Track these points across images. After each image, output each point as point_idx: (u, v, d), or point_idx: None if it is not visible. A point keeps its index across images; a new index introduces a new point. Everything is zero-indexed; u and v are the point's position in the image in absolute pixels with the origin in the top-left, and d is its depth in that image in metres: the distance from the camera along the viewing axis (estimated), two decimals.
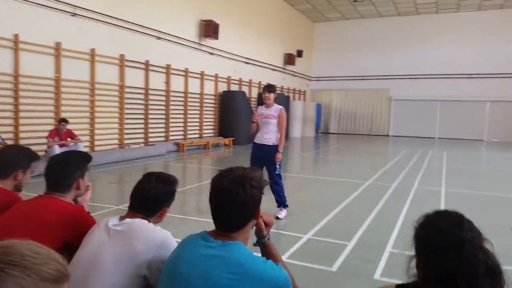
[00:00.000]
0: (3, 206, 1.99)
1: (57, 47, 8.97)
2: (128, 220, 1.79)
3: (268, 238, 1.75)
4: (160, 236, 1.72)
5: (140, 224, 1.77)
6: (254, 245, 1.76)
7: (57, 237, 1.85)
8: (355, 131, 24.33)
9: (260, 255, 1.64)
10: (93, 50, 9.86)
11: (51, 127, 8.50)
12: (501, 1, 19.58)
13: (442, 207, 6.04)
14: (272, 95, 5.35)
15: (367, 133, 23.97)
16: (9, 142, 7.86)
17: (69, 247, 1.81)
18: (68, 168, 2.09)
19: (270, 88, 5.40)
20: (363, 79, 23.52)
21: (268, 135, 5.40)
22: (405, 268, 1.36)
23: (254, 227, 1.70)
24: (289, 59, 20.99)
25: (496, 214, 5.91)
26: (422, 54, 22.07)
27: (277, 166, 5.37)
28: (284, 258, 3.88)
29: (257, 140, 5.52)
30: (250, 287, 1.36)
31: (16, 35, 8.10)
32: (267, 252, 1.73)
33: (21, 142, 8.30)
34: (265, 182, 1.59)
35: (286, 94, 20.65)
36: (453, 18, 21.50)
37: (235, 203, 1.48)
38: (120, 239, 1.70)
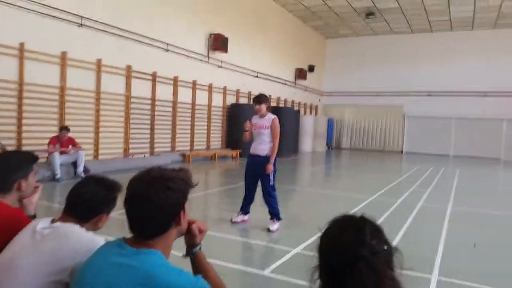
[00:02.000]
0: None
1: (63, 57, 9.06)
2: (57, 223, 1.67)
3: (200, 248, 1.59)
4: (88, 242, 1.59)
5: (69, 228, 1.65)
6: (184, 256, 1.60)
7: None
8: (368, 147, 23.93)
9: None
10: (99, 60, 9.93)
11: (53, 135, 8.53)
12: None
13: (445, 225, 5.77)
14: (263, 106, 5.23)
15: (380, 149, 23.55)
16: (10, 148, 7.89)
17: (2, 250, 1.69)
18: (8, 168, 1.98)
19: (259, 99, 5.28)
20: (376, 95, 23.22)
21: (262, 146, 5.26)
22: (309, 281, 1.17)
23: (186, 235, 1.55)
24: (300, 74, 20.91)
25: (501, 235, 5.59)
26: (437, 71, 21.70)
27: (271, 177, 5.21)
28: (267, 272, 3.70)
29: (252, 150, 5.40)
30: None
31: (21, 44, 8.20)
32: (197, 264, 1.58)
33: (23, 148, 8.33)
34: (190, 184, 1.43)
35: (296, 108, 20.51)
36: (468, 35, 21.14)
37: (148, 207, 1.33)
38: (45, 243, 1.58)
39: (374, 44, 23.23)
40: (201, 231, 1.57)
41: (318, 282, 1.16)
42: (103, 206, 1.78)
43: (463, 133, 21.36)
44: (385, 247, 1.10)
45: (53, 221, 1.71)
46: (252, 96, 16.66)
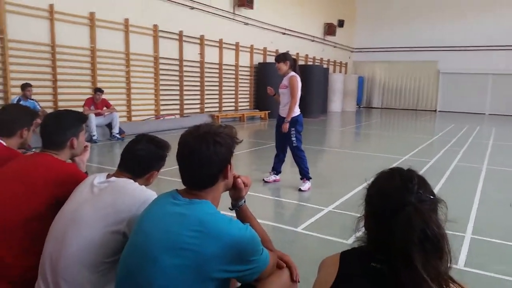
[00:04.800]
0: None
1: (91, 17, 9.09)
2: (113, 178, 1.79)
3: (245, 201, 1.72)
4: (142, 195, 1.70)
5: (124, 182, 1.76)
6: (230, 209, 1.72)
7: (48, 193, 1.87)
8: (400, 106, 23.29)
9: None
10: (126, 20, 9.91)
11: (88, 97, 8.73)
12: None
13: (480, 184, 5.66)
14: (281, 65, 5.07)
15: (413, 108, 22.89)
16: (48, 111, 8.16)
17: (62, 203, 1.81)
18: (61, 126, 2.08)
19: (278, 57, 5.14)
20: (409, 51, 22.27)
21: (283, 106, 5.20)
22: (354, 229, 1.23)
23: (231, 189, 1.66)
24: (330, 30, 20.20)
25: None
26: (473, 24, 20.45)
27: (293, 139, 5.14)
28: (300, 229, 3.78)
29: (279, 111, 5.35)
30: (212, 245, 1.30)
31: (51, 5, 8.25)
32: (242, 216, 1.71)
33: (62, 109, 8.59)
34: (236, 140, 1.51)
35: (325, 66, 20.02)
36: None
37: (198, 159, 1.42)
38: (103, 196, 1.70)
39: None
40: (245, 185, 1.70)
41: (362, 230, 1.22)
42: (154, 163, 1.89)
43: (500, 90, 20.42)
44: (431, 197, 1.15)
45: (108, 176, 1.81)
46: None
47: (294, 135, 5.14)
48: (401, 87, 23.25)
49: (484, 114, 20.62)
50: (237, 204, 1.72)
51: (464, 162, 7.29)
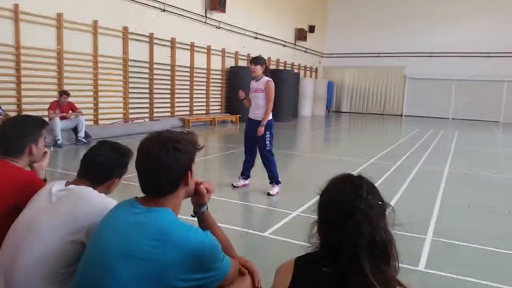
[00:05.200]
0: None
1: (59, 18, 8.87)
2: (71, 186, 1.76)
3: (207, 208, 1.72)
4: (102, 203, 1.68)
5: (83, 190, 1.73)
6: (192, 216, 1.72)
7: (4, 202, 1.82)
8: (368, 110, 23.88)
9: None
10: (95, 21, 9.73)
11: (54, 99, 8.50)
12: None
13: (441, 187, 5.89)
14: (258, 67, 5.16)
15: (380, 113, 23.51)
16: (11, 114, 7.89)
17: (18, 213, 1.76)
18: (19, 132, 2.03)
19: (256, 60, 5.21)
20: (378, 56, 22.90)
21: (258, 110, 5.25)
22: (307, 236, 1.28)
23: (193, 196, 1.66)
24: (300, 35, 20.50)
25: (495, 196, 5.71)
26: (439, 32, 21.26)
27: (267, 142, 5.22)
28: (267, 233, 3.82)
29: (250, 115, 5.40)
30: (173, 254, 1.30)
31: (16, 5, 8.01)
32: (204, 222, 1.70)
33: (23, 114, 8.33)
34: (196, 147, 1.52)
35: (296, 71, 20.28)
36: None
37: (157, 166, 1.41)
38: (61, 204, 1.67)
39: (377, 2, 22.64)
40: (208, 191, 1.69)
41: (316, 236, 1.26)
42: (116, 170, 1.86)
43: (463, 95, 21.29)
44: (380, 202, 1.20)
45: (66, 184, 1.78)
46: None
47: (268, 138, 5.21)
48: (369, 92, 23.85)
49: (448, 118, 21.42)
50: (199, 211, 1.71)
51: (427, 166, 7.57)
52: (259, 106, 5.22)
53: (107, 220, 1.46)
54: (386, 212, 1.21)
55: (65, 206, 1.66)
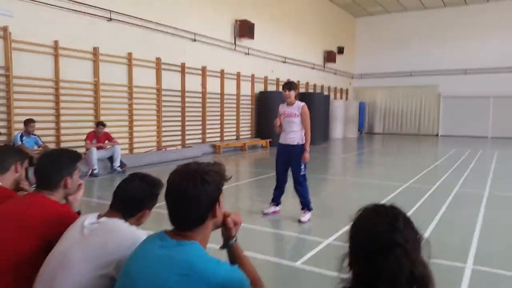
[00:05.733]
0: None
1: (95, 52, 9.32)
2: (104, 219, 1.79)
3: (236, 240, 1.70)
4: (132, 236, 1.70)
5: (114, 223, 1.76)
6: (221, 248, 1.71)
7: (40, 235, 1.87)
8: (402, 131, 23.35)
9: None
10: (130, 54, 10.15)
11: (90, 130, 8.83)
12: None
13: (481, 211, 5.61)
14: (292, 93, 5.20)
15: (414, 133, 22.92)
16: (51, 146, 8.26)
17: (53, 245, 1.80)
18: (55, 166, 2.10)
19: (290, 85, 5.25)
20: (410, 76, 22.52)
21: (292, 134, 5.24)
22: (337, 269, 1.24)
23: (222, 227, 1.65)
24: (329, 57, 20.54)
25: None
26: (472, 47, 20.76)
27: (302, 167, 5.22)
28: (299, 263, 3.74)
29: (282, 140, 5.39)
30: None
31: (55, 41, 8.49)
32: (233, 255, 1.68)
33: (62, 145, 8.69)
34: (224, 177, 1.52)
35: (326, 93, 20.22)
36: (505, 6, 20.00)
37: (185, 199, 1.43)
38: (93, 237, 1.70)
39: (405, 20, 22.48)
40: (235, 224, 1.67)
41: (348, 269, 1.22)
42: (146, 202, 1.89)
43: (502, 112, 20.47)
44: (416, 236, 1.17)
45: (99, 216, 1.82)
46: (281, 83, 16.60)
47: (304, 163, 5.18)
48: (402, 112, 23.37)
49: (487, 137, 20.60)
50: (228, 243, 1.69)
51: (466, 188, 7.26)
52: (294, 131, 5.21)
53: (136, 254, 1.48)
54: (421, 245, 1.18)
55: (96, 239, 1.68)
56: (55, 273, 1.63)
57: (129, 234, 1.71)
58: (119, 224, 1.75)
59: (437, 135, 22.22)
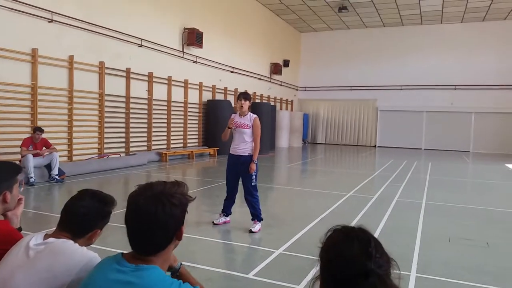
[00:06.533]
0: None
1: (34, 54, 8.76)
2: (51, 239, 1.66)
3: (181, 264, 1.68)
4: (83, 258, 1.59)
5: (63, 244, 1.63)
6: (171, 275, 1.65)
7: None
8: (342, 142, 24.33)
9: None
10: (71, 57, 9.66)
11: (27, 136, 8.26)
12: (483, 14, 19.88)
13: (421, 219, 5.95)
14: (247, 103, 5.22)
15: (354, 144, 23.99)
16: None
17: None
18: None
19: (246, 96, 5.27)
20: (350, 89, 23.61)
21: (243, 146, 5.25)
22: None
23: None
24: (275, 69, 20.98)
25: (472, 227, 5.81)
26: (408, 65, 22.26)
27: (253, 177, 5.24)
28: (251, 275, 3.73)
29: (232, 151, 5.38)
30: None
31: None
32: (184, 279, 1.64)
33: None
34: (189, 198, 1.45)
35: (272, 103, 20.58)
36: (437, 29, 21.74)
37: (153, 223, 1.35)
38: (39, 260, 1.57)
39: (348, 38, 23.58)
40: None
41: None
42: (98, 222, 1.77)
43: (434, 126, 22.03)
44: (388, 259, 1.16)
45: (45, 236, 1.69)
46: (229, 92, 16.65)
47: (254, 174, 5.21)
48: (343, 124, 24.37)
49: (421, 149, 22.02)
50: (175, 269, 1.67)
51: (405, 198, 7.67)
52: (245, 142, 5.22)
53: (92, 279, 1.39)
54: (391, 268, 1.17)
55: (43, 262, 1.56)
56: None
57: (78, 256, 1.60)
58: (67, 246, 1.63)
59: (375, 146, 23.40)
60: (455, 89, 21.37)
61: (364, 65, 23.13)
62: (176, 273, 1.66)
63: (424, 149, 22.02)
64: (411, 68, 22.18)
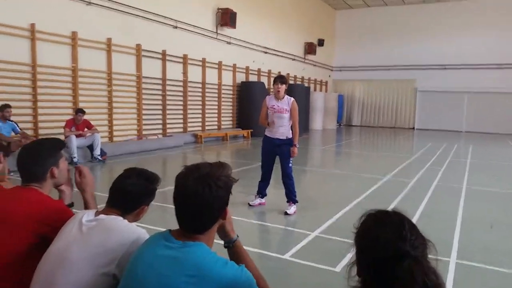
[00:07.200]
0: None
1: (73, 37, 9.01)
2: (102, 216, 1.74)
3: (238, 236, 1.70)
4: (132, 234, 1.66)
5: (113, 220, 1.71)
6: (225, 247, 1.70)
7: (30, 230, 1.79)
8: (379, 124, 23.75)
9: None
10: (109, 39, 9.87)
11: (69, 117, 8.58)
12: None
13: (461, 205, 5.77)
14: (284, 87, 5.17)
15: (391, 126, 23.36)
16: (28, 133, 7.99)
17: (47, 242, 1.74)
18: (38, 157, 2.00)
19: (282, 79, 5.21)
20: (388, 69, 22.84)
21: (282, 129, 5.23)
22: (346, 277, 1.23)
23: (219, 229, 1.64)
24: (310, 49, 20.58)
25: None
26: (449, 43, 21.20)
27: (291, 160, 5.24)
28: (287, 256, 3.76)
29: (269, 133, 5.37)
30: None
31: (32, 25, 8.16)
32: (237, 254, 1.68)
33: (39, 132, 8.43)
34: (233, 180, 1.50)
35: (306, 85, 20.31)
36: (481, 3, 20.48)
37: (200, 204, 1.40)
38: (92, 235, 1.65)
39: (385, 15, 22.71)
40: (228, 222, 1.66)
41: (356, 278, 1.21)
42: (144, 198, 1.85)
43: (476, 108, 21.07)
44: (423, 241, 1.16)
45: (96, 213, 1.77)
46: (262, 73, 16.55)
47: (291, 157, 5.21)
48: (379, 105, 23.73)
49: (461, 131, 21.19)
50: (231, 241, 1.68)
51: (444, 182, 7.45)
52: (283, 125, 5.20)
53: (140, 254, 1.45)
54: (428, 249, 1.17)
55: (95, 237, 1.64)
56: (54, 271, 1.58)
57: (127, 232, 1.67)
58: (117, 222, 1.71)
59: (413, 128, 22.71)
60: (499, 68, 20.21)
61: (402, 43, 22.26)
62: (231, 244, 1.68)
63: (465, 131, 21.17)
64: (452, 47, 21.13)
